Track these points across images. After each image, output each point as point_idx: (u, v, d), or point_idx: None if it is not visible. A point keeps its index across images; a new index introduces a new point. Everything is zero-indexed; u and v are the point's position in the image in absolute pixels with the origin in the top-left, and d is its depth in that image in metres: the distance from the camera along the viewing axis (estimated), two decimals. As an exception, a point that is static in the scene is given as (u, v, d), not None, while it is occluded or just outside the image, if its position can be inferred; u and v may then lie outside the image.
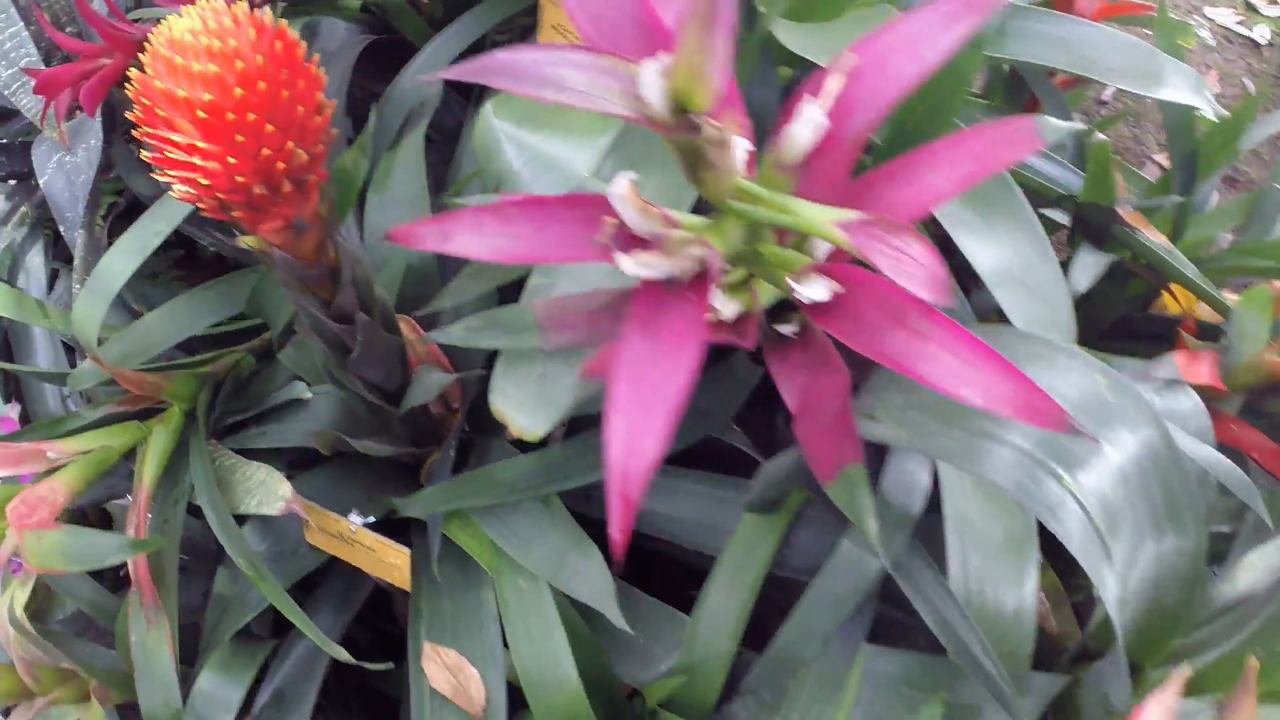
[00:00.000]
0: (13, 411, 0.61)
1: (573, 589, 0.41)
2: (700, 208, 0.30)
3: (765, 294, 0.32)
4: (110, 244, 0.51)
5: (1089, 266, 0.51)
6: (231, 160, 0.32)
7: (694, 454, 0.46)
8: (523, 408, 0.37)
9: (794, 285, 0.27)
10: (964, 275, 0.45)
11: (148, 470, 0.47)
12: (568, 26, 0.52)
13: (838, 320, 0.28)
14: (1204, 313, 0.63)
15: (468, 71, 0.23)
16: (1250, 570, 0.42)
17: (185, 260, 0.70)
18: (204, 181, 0.32)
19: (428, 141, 0.56)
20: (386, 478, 0.50)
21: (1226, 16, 1.30)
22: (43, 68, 0.60)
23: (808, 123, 0.25)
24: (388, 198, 0.54)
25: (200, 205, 0.34)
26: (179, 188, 0.33)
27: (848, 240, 0.23)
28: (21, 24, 0.61)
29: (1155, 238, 0.53)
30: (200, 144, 0.32)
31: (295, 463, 0.50)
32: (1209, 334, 0.55)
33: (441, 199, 0.53)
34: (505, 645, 0.43)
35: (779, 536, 0.42)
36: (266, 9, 0.33)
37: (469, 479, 0.45)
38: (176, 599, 0.46)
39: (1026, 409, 0.26)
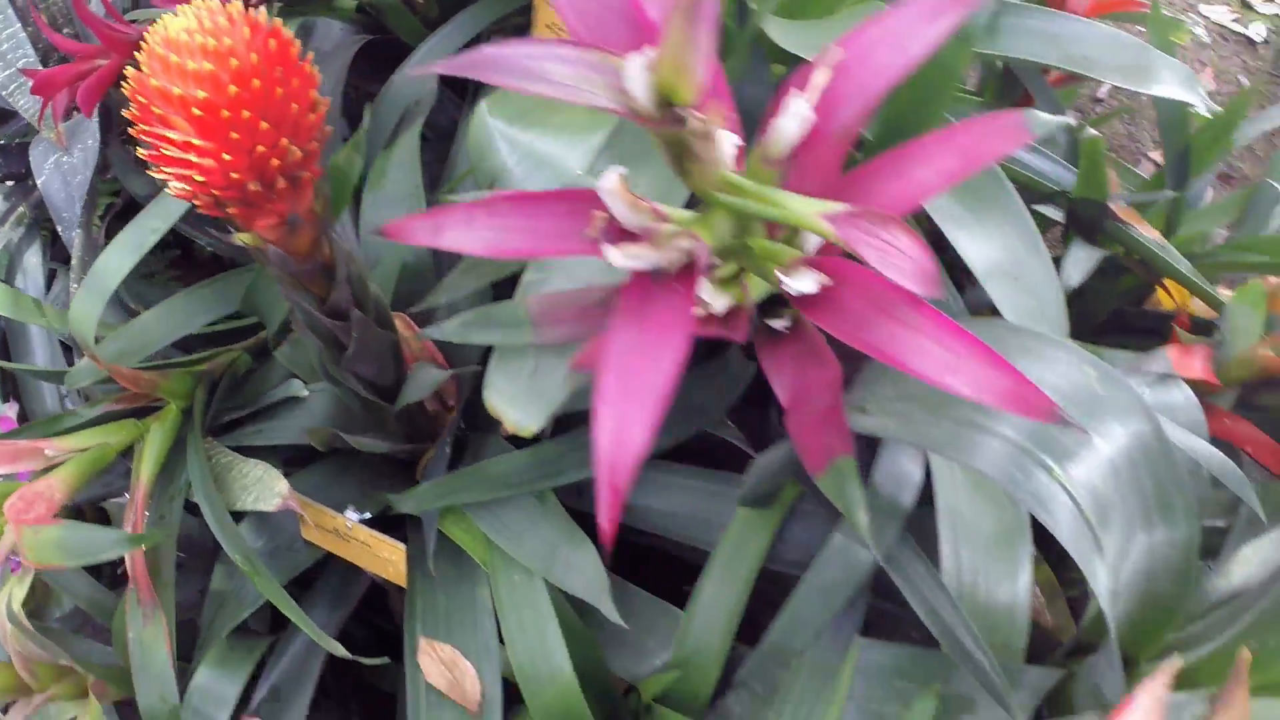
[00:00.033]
0: (10, 411, 0.61)
1: (565, 582, 0.41)
2: (692, 205, 0.30)
3: (756, 288, 0.32)
4: (107, 244, 0.51)
5: (1081, 261, 0.52)
6: (226, 157, 0.32)
7: (688, 449, 0.46)
8: (516, 402, 0.37)
9: (782, 278, 0.27)
10: (958, 272, 0.46)
11: (145, 467, 0.48)
12: (562, 26, 0.53)
13: (826, 313, 0.28)
14: (1198, 308, 0.63)
15: (457, 66, 0.23)
16: (1244, 564, 0.42)
17: (182, 260, 0.70)
18: (199, 178, 0.33)
19: (423, 140, 0.56)
20: (382, 475, 0.50)
21: (1222, 14, 1.31)
22: (40, 69, 0.61)
23: (794, 116, 0.25)
24: (383, 196, 0.54)
25: (196, 202, 0.34)
26: (175, 184, 0.33)
27: (833, 231, 0.24)
28: (19, 25, 0.61)
29: (1148, 233, 0.53)
30: (195, 141, 0.32)
31: (291, 460, 0.50)
32: (1203, 329, 0.55)
33: (436, 197, 0.54)
34: (500, 641, 0.43)
35: (773, 531, 0.42)
36: (261, 9, 0.33)
37: (463, 475, 0.45)
38: (173, 595, 0.46)
39: (1014, 399, 0.26)
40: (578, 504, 0.45)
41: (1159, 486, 0.34)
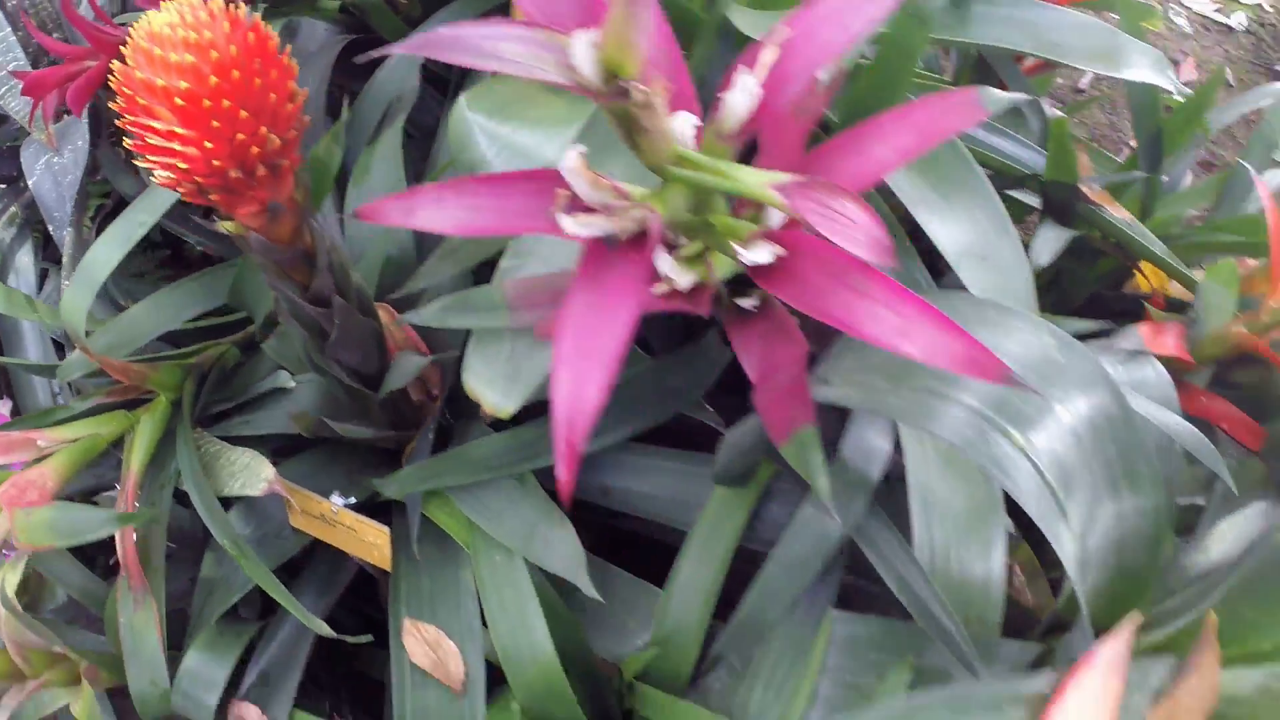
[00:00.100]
0: (3, 406, 0.62)
1: (544, 560, 0.42)
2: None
3: (723, 267, 0.33)
4: (97, 241, 0.52)
5: (1050, 241, 0.52)
6: (208, 145, 0.34)
7: (666, 431, 0.47)
8: (493, 384, 0.38)
9: (739, 250, 0.28)
10: (934, 258, 0.46)
11: (135, 457, 0.48)
12: (540, 20, 0.54)
13: (785, 284, 0.29)
14: (1177, 291, 0.64)
15: (417, 45, 0.24)
16: (1221, 540, 0.42)
17: (171, 260, 0.71)
18: (182, 166, 0.34)
19: (406, 138, 0.57)
20: (368, 463, 0.51)
21: (1204, 5, 1.32)
22: (31, 71, 0.62)
23: (743, 91, 0.26)
24: (367, 189, 0.55)
25: (180, 190, 0.36)
26: (160, 173, 0.34)
27: (781, 200, 0.24)
28: (9, 29, 0.62)
29: (1119, 213, 0.53)
30: (178, 130, 0.33)
31: (279, 450, 0.51)
32: (1180, 311, 0.56)
33: (419, 190, 0.54)
34: (484, 623, 0.44)
35: (749, 510, 0.43)
36: (242, 5, 0.35)
37: (445, 458, 0.46)
38: (164, 582, 0.47)
39: (966, 362, 0.27)
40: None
41: (1124, 454, 0.34)
